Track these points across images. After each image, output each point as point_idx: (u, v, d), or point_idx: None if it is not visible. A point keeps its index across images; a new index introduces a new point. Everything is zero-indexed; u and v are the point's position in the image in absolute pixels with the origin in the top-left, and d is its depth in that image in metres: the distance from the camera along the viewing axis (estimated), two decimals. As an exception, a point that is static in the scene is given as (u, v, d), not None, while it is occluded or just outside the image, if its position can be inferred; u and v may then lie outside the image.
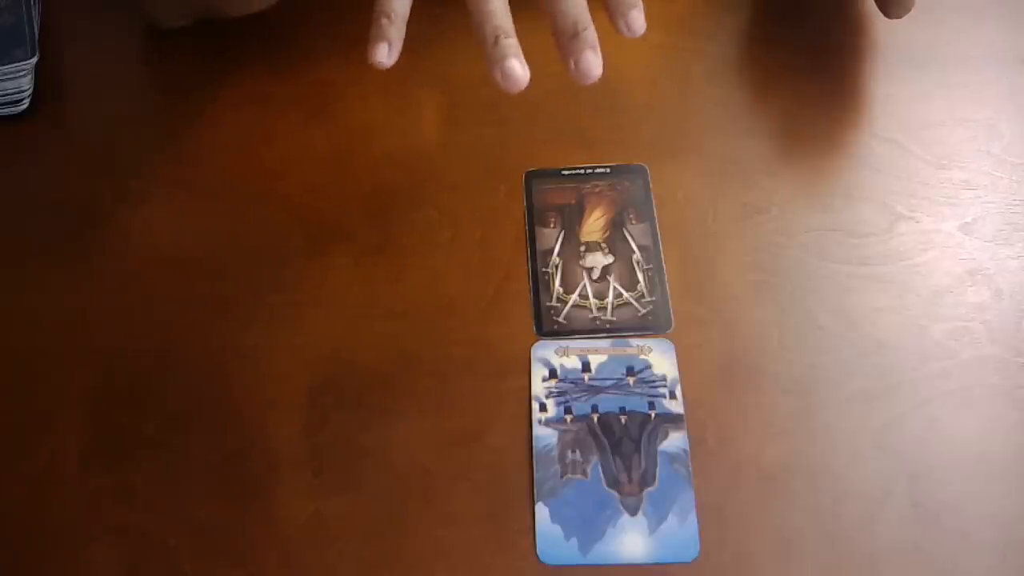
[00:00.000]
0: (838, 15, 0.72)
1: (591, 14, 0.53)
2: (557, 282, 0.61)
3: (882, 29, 0.71)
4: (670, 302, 0.60)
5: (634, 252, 0.62)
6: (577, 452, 0.55)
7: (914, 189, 0.64)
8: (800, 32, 0.71)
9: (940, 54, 0.70)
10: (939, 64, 0.70)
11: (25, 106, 0.69)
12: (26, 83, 0.68)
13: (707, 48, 0.71)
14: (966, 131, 0.66)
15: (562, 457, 0.55)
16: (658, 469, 0.54)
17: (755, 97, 0.69)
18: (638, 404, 0.56)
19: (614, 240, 0.62)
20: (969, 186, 0.64)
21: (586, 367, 0.58)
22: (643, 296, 0.60)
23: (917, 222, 0.63)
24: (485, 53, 0.52)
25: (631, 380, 0.57)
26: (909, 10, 0.65)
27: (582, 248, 0.62)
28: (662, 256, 0.62)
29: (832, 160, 0.66)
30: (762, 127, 0.68)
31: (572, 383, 0.57)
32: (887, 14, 0.66)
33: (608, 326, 0.59)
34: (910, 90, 0.68)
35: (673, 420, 0.56)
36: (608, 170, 0.65)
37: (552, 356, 0.58)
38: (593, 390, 0.57)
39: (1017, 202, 0.64)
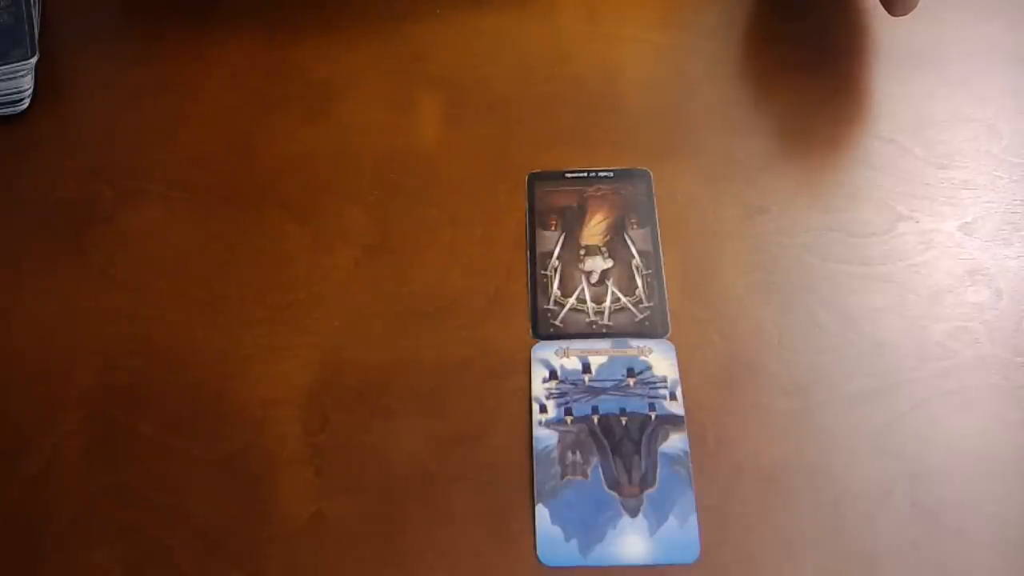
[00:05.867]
0: (839, 14, 0.72)
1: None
2: (555, 285, 0.61)
3: (883, 28, 0.71)
4: (668, 308, 0.60)
5: (634, 257, 0.62)
6: (577, 453, 0.55)
7: (914, 189, 0.64)
8: (801, 31, 0.71)
9: (941, 53, 0.70)
10: (940, 63, 0.70)
11: (25, 106, 0.69)
12: (26, 83, 0.68)
13: (707, 47, 0.71)
14: (967, 131, 0.66)
15: (562, 458, 0.55)
16: (658, 470, 0.54)
17: (756, 96, 0.69)
18: (638, 405, 0.56)
19: (614, 244, 0.62)
20: (969, 186, 0.64)
21: (586, 368, 0.58)
22: (641, 301, 0.60)
23: (917, 222, 0.63)
24: None
25: (631, 381, 0.57)
26: (912, 8, 0.65)
27: (582, 251, 0.62)
28: (662, 262, 0.61)
29: (832, 160, 0.66)
30: (762, 126, 0.68)
31: (572, 384, 0.57)
32: (891, 11, 0.66)
33: (604, 331, 0.59)
34: (911, 89, 0.68)
35: (673, 421, 0.56)
36: (611, 174, 0.65)
37: (552, 357, 0.58)
38: (593, 391, 0.57)
39: (1017, 202, 0.64)
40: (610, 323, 0.60)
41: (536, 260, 0.62)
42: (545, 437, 0.56)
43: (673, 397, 0.57)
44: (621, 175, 0.65)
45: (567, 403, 0.57)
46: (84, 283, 0.62)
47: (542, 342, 0.59)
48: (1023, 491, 0.54)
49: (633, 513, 0.53)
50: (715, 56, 0.71)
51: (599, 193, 0.65)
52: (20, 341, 0.61)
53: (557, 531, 0.53)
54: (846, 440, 0.55)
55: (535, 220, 0.63)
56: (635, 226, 0.63)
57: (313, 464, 0.55)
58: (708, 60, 0.71)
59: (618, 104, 0.69)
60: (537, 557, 0.52)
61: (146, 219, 0.65)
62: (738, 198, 0.64)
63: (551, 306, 0.60)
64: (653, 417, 0.56)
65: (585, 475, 0.54)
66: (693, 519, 0.53)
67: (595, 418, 0.56)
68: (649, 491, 0.54)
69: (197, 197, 0.66)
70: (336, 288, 0.61)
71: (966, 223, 0.63)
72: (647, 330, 0.59)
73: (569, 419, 0.56)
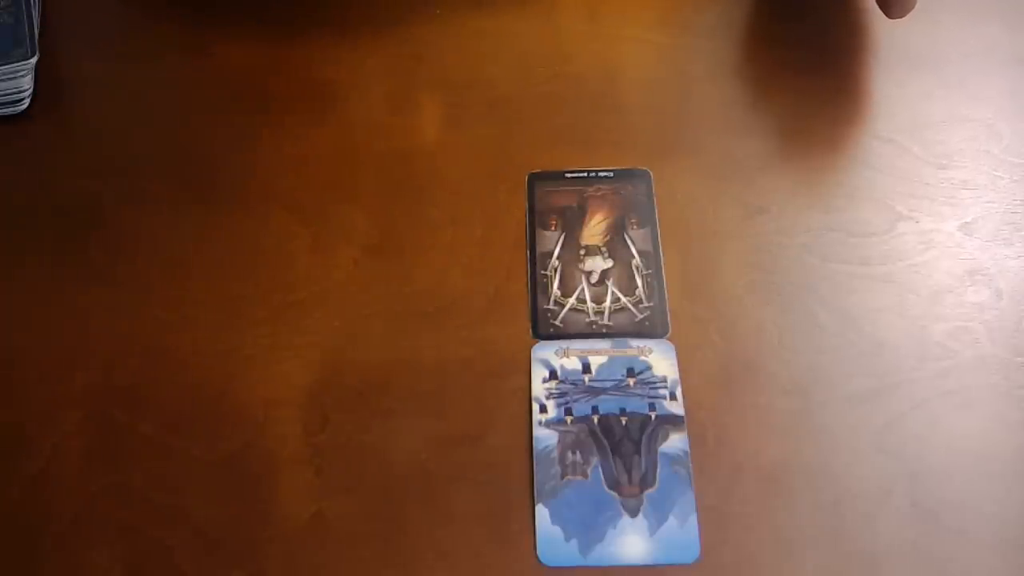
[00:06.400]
0: (838, 14, 0.72)
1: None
2: (555, 285, 0.61)
3: (882, 28, 0.71)
4: (668, 308, 0.60)
5: (634, 257, 0.62)
6: (577, 453, 0.55)
7: (914, 189, 0.64)
8: (800, 31, 0.71)
9: (940, 54, 0.70)
10: (939, 64, 0.70)
11: (25, 106, 0.69)
12: (26, 83, 0.68)
13: (707, 47, 0.71)
14: (966, 131, 0.66)
15: (562, 458, 0.55)
16: (658, 470, 0.54)
17: (755, 97, 0.69)
18: (638, 405, 0.56)
19: (614, 244, 0.62)
20: (969, 186, 0.64)
21: (586, 368, 0.58)
22: (641, 301, 0.60)
23: (917, 222, 0.63)
24: None
25: (631, 381, 0.57)
26: (910, 10, 0.65)
27: (582, 251, 0.62)
28: (662, 262, 0.62)
29: (832, 160, 0.66)
30: (762, 127, 0.68)
31: (572, 384, 0.57)
32: (888, 14, 0.66)
33: (605, 331, 0.59)
34: (910, 90, 0.68)
35: (673, 421, 0.56)
36: (611, 174, 0.65)
37: (552, 357, 0.58)
38: (593, 391, 0.57)
39: (1017, 202, 0.64)
40: (610, 323, 0.60)
41: (536, 260, 0.62)
42: (545, 437, 0.56)
43: (673, 397, 0.57)
44: (621, 175, 0.65)
45: (567, 403, 0.57)
46: (84, 283, 0.62)
47: (542, 342, 0.59)
48: (1023, 491, 0.54)
49: (633, 513, 0.53)
50: (715, 56, 0.71)
51: (599, 193, 0.65)
52: (20, 341, 0.61)
53: (557, 531, 0.53)
54: (846, 440, 0.55)
55: (535, 220, 0.63)
56: (635, 226, 0.63)
57: (313, 464, 0.55)
58: (708, 60, 0.71)
59: (618, 104, 0.69)
60: (537, 557, 0.52)
61: (146, 219, 0.65)
62: (738, 198, 0.64)
63: (551, 306, 0.60)
64: (653, 417, 0.56)
65: (585, 475, 0.54)
66: (693, 519, 0.53)
67: (595, 418, 0.56)
68: (649, 491, 0.54)
69: (197, 197, 0.66)
70: (336, 288, 0.61)
71: (966, 223, 0.63)
72: (647, 330, 0.59)
73: (569, 419, 0.56)
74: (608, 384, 0.57)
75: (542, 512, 0.53)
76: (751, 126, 0.68)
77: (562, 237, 0.63)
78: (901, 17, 0.65)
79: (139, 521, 0.54)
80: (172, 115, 0.70)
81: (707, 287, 0.61)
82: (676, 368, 0.58)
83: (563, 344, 0.59)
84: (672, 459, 0.55)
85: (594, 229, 0.63)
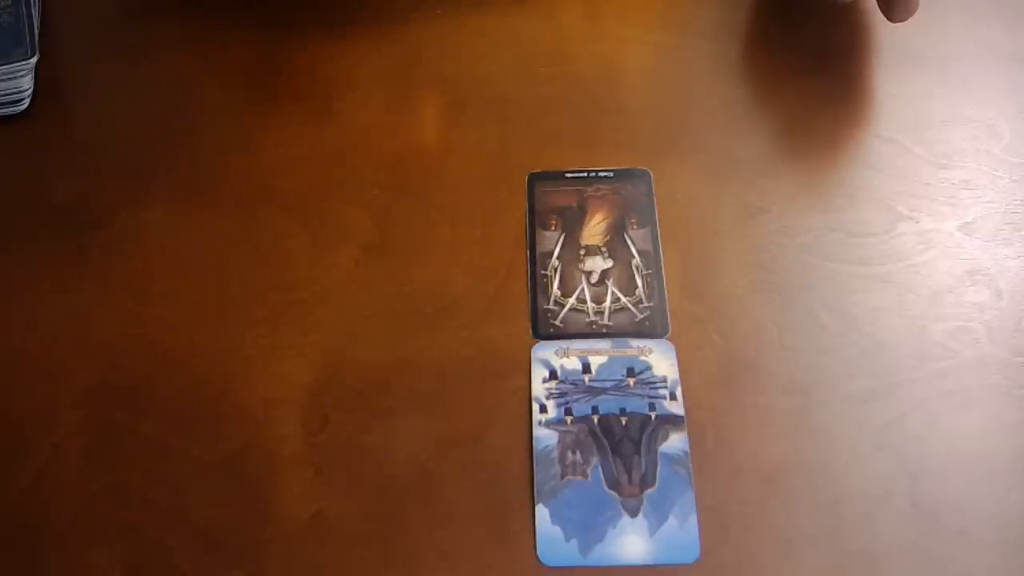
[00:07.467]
0: (839, 14, 0.72)
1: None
2: (555, 285, 0.61)
3: (883, 29, 0.71)
4: (668, 308, 0.60)
5: (634, 257, 0.62)
6: (577, 453, 0.55)
7: (914, 189, 0.64)
8: (801, 31, 0.71)
9: (941, 54, 0.70)
10: (940, 64, 0.70)
11: (25, 106, 0.69)
12: (26, 83, 0.68)
13: (708, 48, 0.71)
14: (967, 131, 0.66)
15: (562, 458, 0.55)
16: (658, 470, 0.54)
17: (756, 97, 0.69)
18: (638, 405, 0.56)
19: (614, 244, 0.62)
20: (969, 186, 0.64)
21: (586, 368, 0.58)
22: (641, 301, 0.60)
23: (917, 222, 0.63)
24: None
25: (631, 381, 0.57)
26: (912, 14, 0.65)
27: (582, 251, 0.62)
28: (662, 262, 0.62)
29: (833, 160, 0.66)
30: (763, 127, 0.68)
31: (572, 384, 0.57)
32: (890, 18, 0.66)
33: (605, 331, 0.59)
34: (911, 90, 0.68)
35: (673, 421, 0.56)
36: (611, 174, 0.65)
37: (552, 357, 0.58)
38: (593, 391, 0.57)
39: (1017, 202, 0.64)
40: (610, 323, 0.60)
41: (536, 260, 0.62)
42: (545, 437, 0.56)
43: (673, 397, 0.57)
44: (621, 175, 0.65)
45: (567, 403, 0.57)
46: (84, 283, 0.62)
47: (542, 342, 0.59)
48: (1023, 491, 0.54)
49: (633, 513, 0.53)
50: (716, 56, 0.71)
51: (599, 193, 0.65)
52: (20, 341, 0.61)
53: (557, 531, 0.53)
54: (846, 440, 0.55)
55: (535, 220, 0.63)
56: (635, 226, 0.63)
57: (313, 464, 0.56)
58: (709, 60, 0.71)
59: (618, 104, 0.69)
60: (537, 557, 0.52)
61: (146, 219, 0.65)
62: (738, 198, 0.64)
63: (551, 306, 0.60)
64: (653, 417, 0.56)
65: (585, 475, 0.54)
66: (693, 519, 0.53)
67: (595, 418, 0.56)
68: (649, 491, 0.54)
69: (197, 197, 0.66)
70: (336, 288, 0.61)
71: (966, 223, 0.63)
72: (647, 330, 0.59)
73: (569, 419, 0.56)
74: (608, 384, 0.57)
75: (542, 512, 0.53)
76: (751, 126, 0.68)
77: (562, 237, 0.63)
78: (903, 21, 0.65)
79: (139, 521, 0.54)
80: (172, 115, 0.70)
81: (707, 287, 0.61)
82: (676, 368, 0.58)
83: (563, 344, 0.59)
84: (672, 459, 0.55)
85: (594, 229, 0.63)
